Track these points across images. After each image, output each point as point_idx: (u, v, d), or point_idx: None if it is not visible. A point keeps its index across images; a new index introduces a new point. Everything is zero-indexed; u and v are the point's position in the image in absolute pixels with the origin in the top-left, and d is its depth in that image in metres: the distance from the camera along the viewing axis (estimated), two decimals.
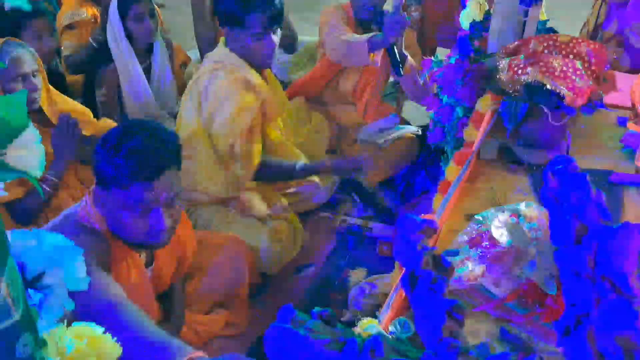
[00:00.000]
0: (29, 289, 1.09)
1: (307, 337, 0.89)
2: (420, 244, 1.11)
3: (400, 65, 3.75)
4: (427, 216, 1.88)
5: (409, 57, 3.87)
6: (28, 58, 2.99)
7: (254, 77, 3.16)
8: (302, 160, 3.48)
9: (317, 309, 0.97)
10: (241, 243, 3.06)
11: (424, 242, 1.12)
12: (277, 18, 3.08)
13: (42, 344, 1.03)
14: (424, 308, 1.03)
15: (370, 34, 3.71)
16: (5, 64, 2.88)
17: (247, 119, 3.12)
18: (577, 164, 1.28)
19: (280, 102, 3.46)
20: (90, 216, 2.15)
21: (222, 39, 3.25)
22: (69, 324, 1.14)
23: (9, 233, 0.96)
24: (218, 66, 3.15)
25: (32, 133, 0.98)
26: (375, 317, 2.18)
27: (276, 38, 3.14)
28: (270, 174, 3.35)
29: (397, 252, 1.16)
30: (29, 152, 0.97)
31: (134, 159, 2.05)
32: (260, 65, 3.22)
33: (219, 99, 3.10)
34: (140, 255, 2.35)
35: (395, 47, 3.72)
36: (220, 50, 3.21)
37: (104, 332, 1.20)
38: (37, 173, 0.99)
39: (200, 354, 1.74)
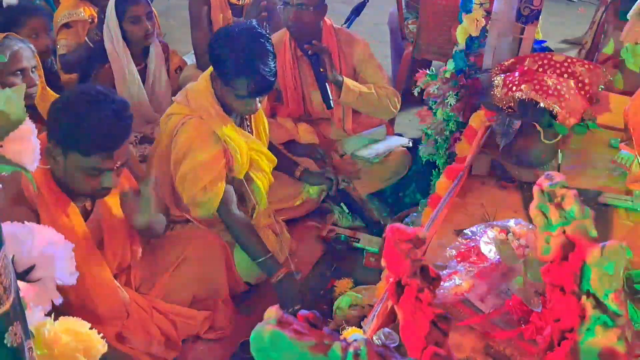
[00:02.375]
0: (19, 282, 1.09)
1: (293, 338, 0.89)
2: (408, 254, 1.12)
3: (331, 98, 3.72)
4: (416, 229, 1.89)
5: (345, 80, 3.75)
6: (28, 54, 3.02)
7: (225, 128, 3.06)
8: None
9: (303, 311, 0.98)
10: (215, 235, 3.07)
11: (412, 253, 1.13)
12: (265, 89, 3.02)
13: (31, 335, 1.04)
14: (409, 317, 1.04)
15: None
16: (5, 57, 2.89)
17: (211, 172, 3.04)
18: (566, 182, 1.29)
19: (255, 149, 3.29)
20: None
21: (208, 72, 3.14)
22: None
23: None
24: (190, 112, 3.06)
25: (28, 127, 0.99)
26: (361, 327, 2.19)
27: (259, 104, 3.07)
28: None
29: (386, 261, 1.17)
30: (25, 146, 0.98)
31: (100, 132, 2.19)
32: (238, 115, 3.18)
33: (185, 149, 3.03)
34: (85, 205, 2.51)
35: (325, 78, 3.70)
36: (201, 88, 3.12)
37: (90, 328, 1.21)
38: (32, 167, 1.01)
39: None
